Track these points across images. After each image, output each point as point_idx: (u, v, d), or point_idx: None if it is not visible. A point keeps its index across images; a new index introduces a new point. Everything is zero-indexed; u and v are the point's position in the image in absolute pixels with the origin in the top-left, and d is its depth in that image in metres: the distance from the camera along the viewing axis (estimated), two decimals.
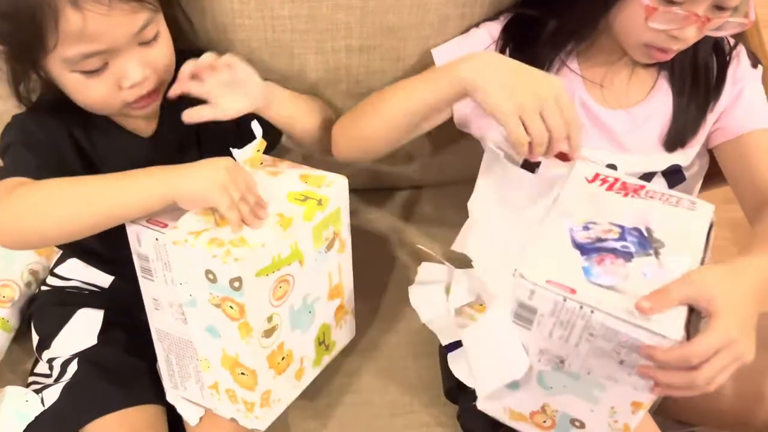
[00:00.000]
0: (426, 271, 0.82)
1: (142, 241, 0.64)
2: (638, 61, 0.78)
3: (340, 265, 0.74)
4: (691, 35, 0.69)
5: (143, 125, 0.75)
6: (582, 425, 0.65)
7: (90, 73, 0.64)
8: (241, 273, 0.60)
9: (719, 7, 0.68)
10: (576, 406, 0.64)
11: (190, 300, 0.65)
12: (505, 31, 0.80)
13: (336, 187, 0.69)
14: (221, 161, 0.63)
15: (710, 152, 0.83)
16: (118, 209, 0.62)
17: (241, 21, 0.80)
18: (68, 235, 0.63)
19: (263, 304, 0.65)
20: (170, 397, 0.76)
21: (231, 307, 0.62)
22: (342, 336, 0.81)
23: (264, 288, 0.64)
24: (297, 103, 0.80)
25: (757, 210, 0.73)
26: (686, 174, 0.82)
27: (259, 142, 0.69)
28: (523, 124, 0.63)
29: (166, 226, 0.63)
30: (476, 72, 0.65)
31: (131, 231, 0.64)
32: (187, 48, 0.74)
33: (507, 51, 0.79)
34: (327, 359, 0.80)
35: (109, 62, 0.64)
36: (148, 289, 0.68)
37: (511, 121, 0.63)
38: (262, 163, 0.72)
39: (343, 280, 0.76)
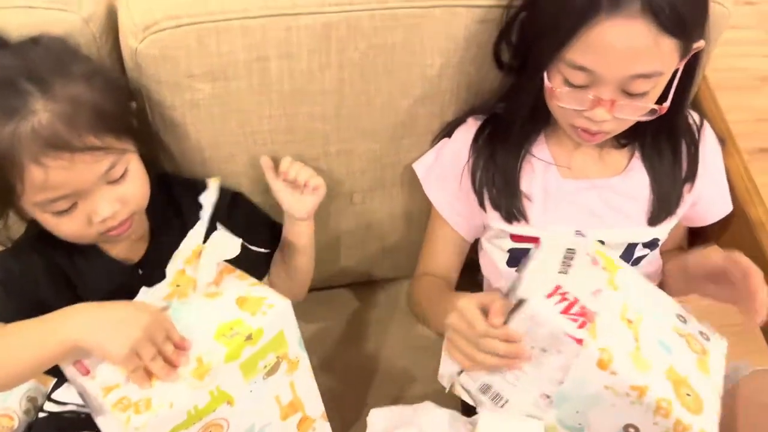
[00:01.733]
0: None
1: (72, 377, 0.65)
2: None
3: (293, 383, 0.72)
4: (602, 116, 0.71)
5: (129, 251, 0.77)
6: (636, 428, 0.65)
7: (60, 213, 0.66)
8: None
9: (627, 93, 0.71)
10: (608, 414, 0.65)
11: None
12: (476, 141, 0.85)
13: (275, 312, 0.66)
14: (141, 313, 0.62)
15: None
16: (29, 362, 0.62)
17: (223, 138, 0.84)
18: (23, 379, 0.65)
19: None
20: None
21: None
22: None
23: None
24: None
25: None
26: (661, 241, 0.86)
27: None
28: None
29: (87, 373, 0.62)
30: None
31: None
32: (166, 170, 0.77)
33: (481, 161, 0.84)
34: None
35: (78, 202, 0.66)
36: (91, 407, 0.68)
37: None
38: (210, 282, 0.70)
39: (299, 394, 0.73)
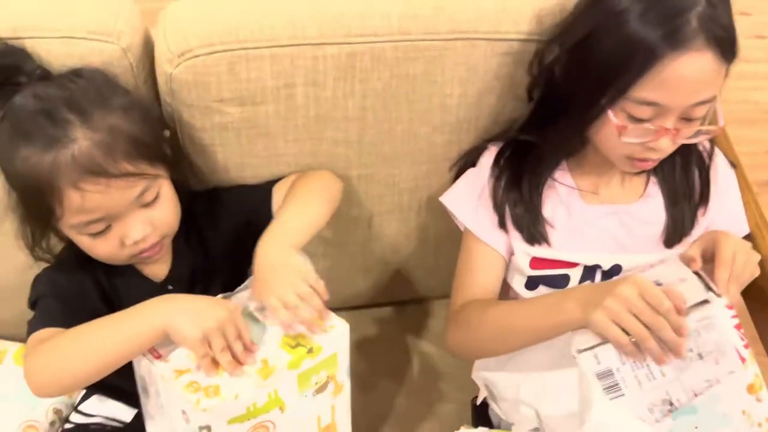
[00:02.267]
0: None
1: (140, 365, 0.69)
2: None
3: (334, 407, 0.74)
4: (665, 146, 0.75)
5: (157, 270, 0.81)
6: None
7: (95, 235, 0.70)
8: (210, 422, 0.63)
9: (687, 119, 0.74)
10: None
11: (173, 428, 0.68)
12: (497, 162, 0.87)
13: (335, 334, 0.70)
14: (218, 308, 0.66)
15: None
16: (122, 349, 0.67)
17: (249, 160, 0.88)
18: (83, 381, 0.69)
19: None
20: None
21: None
22: None
23: None
24: (312, 224, 0.79)
25: None
26: None
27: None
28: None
29: (159, 357, 0.66)
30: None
31: None
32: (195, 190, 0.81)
33: (502, 181, 0.85)
34: None
35: (112, 224, 0.70)
36: (146, 407, 0.72)
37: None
38: None
39: (336, 420, 0.75)
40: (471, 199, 0.88)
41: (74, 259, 0.77)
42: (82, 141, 0.65)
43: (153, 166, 0.71)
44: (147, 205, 0.71)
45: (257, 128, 0.85)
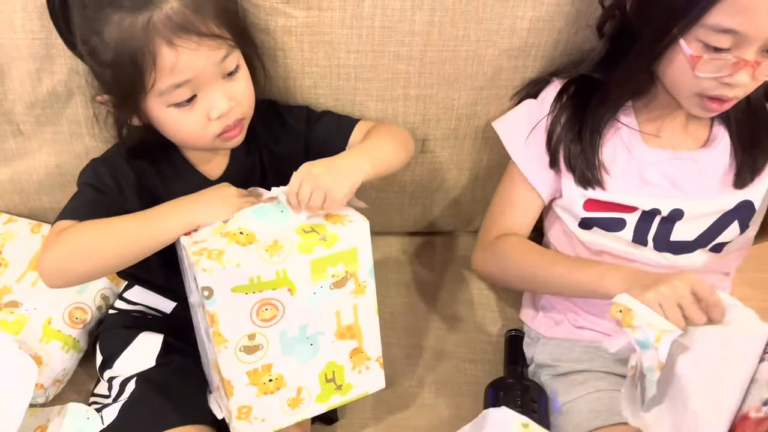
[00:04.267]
0: None
1: (179, 247, 0.72)
2: (696, 115, 0.80)
3: (356, 306, 0.74)
4: (743, 80, 0.70)
5: (214, 167, 0.82)
6: None
7: (182, 106, 0.71)
8: (210, 284, 0.65)
9: (766, 52, 0.69)
10: None
11: (197, 302, 0.71)
12: (560, 97, 0.84)
13: (352, 228, 0.70)
14: (229, 190, 0.74)
15: None
16: (150, 242, 0.71)
17: (309, 69, 0.87)
18: (106, 271, 0.74)
19: (241, 320, 0.68)
20: (210, 400, 0.80)
21: (208, 315, 0.67)
22: (363, 382, 0.79)
23: (242, 305, 0.67)
24: (388, 161, 0.80)
25: None
26: (756, 207, 0.83)
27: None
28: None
29: (189, 234, 0.70)
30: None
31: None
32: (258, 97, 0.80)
33: (563, 117, 0.83)
34: (338, 399, 0.78)
35: (198, 95, 0.72)
36: (190, 294, 0.75)
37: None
38: None
39: (360, 323, 0.75)
40: (525, 130, 0.86)
41: (123, 153, 0.79)
42: (173, 2, 0.68)
43: (233, 35, 0.73)
44: (229, 75, 0.73)
45: (321, 35, 0.83)
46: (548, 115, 0.84)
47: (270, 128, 0.84)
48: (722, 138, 0.82)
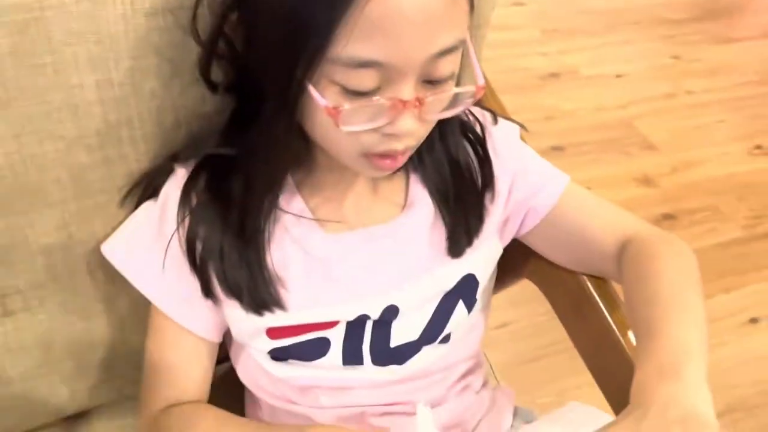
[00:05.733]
0: None
1: None
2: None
3: None
4: (409, 128, 0.47)
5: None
6: None
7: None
8: None
9: (429, 82, 0.47)
10: None
11: None
12: (187, 195, 0.55)
13: None
14: None
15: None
16: None
17: None
18: None
19: None
20: None
21: None
22: None
23: None
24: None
25: (617, 257, 0.60)
26: (480, 279, 0.62)
27: None
28: None
29: None
30: None
31: None
32: None
33: (201, 224, 0.54)
34: None
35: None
36: None
37: None
38: None
39: None
40: (152, 251, 0.55)
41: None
42: None
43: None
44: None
45: None
46: (179, 225, 0.54)
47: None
48: (422, 196, 0.59)
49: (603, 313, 0.62)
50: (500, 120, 0.64)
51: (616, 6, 2.50)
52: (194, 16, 0.51)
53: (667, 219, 1.62)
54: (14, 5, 0.47)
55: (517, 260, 0.69)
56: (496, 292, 0.70)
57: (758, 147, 1.90)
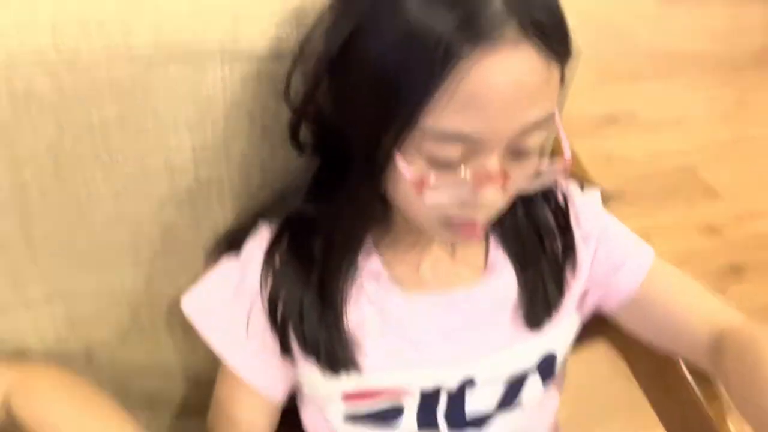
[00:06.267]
0: None
1: None
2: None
3: None
4: (493, 199, 0.46)
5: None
6: None
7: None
8: None
9: (517, 153, 0.47)
10: None
11: None
12: (271, 256, 0.55)
13: None
14: None
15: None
16: None
17: None
18: None
19: None
20: None
21: None
22: None
23: None
24: None
25: (712, 350, 0.56)
26: (559, 359, 0.60)
27: None
28: None
29: None
30: None
31: None
32: None
33: (284, 284, 0.54)
34: None
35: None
36: None
37: None
38: None
39: None
40: (230, 309, 0.56)
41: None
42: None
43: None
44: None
45: None
46: (263, 287, 0.55)
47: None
48: (502, 262, 0.58)
49: (692, 388, 0.60)
50: (583, 187, 0.63)
51: (674, 49, 2.46)
52: (288, 83, 0.52)
53: (734, 272, 1.56)
54: (119, 73, 0.49)
55: (591, 321, 0.67)
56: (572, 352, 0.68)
57: None
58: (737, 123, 2.11)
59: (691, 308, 0.59)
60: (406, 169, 0.45)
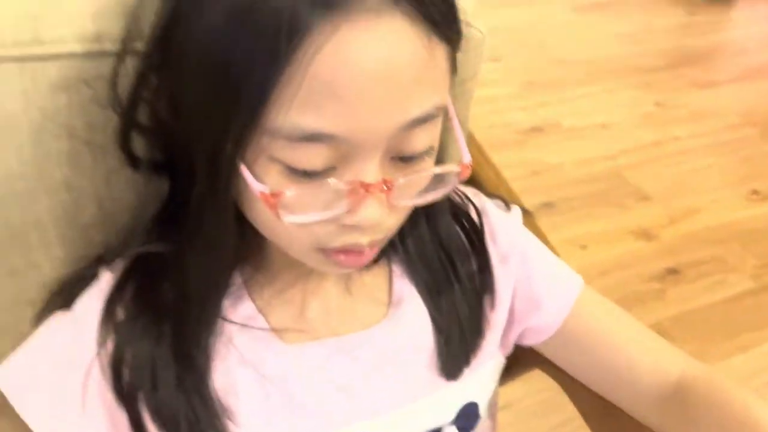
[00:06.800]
0: None
1: None
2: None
3: None
4: (374, 216, 0.37)
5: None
6: None
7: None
8: None
9: (400, 159, 0.37)
10: None
11: None
12: (110, 310, 0.43)
13: None
14: None
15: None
16: None
17: None
18: None
19: None
20: None
21: None
22: None
23: None
24: None
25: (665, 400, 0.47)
26: (482, 412, 0.49)
27: None
28: None
29: None
30: None
31: None
32: None
33: (128, 343, 0.42)
34: None
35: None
36: None
37: None
38: None
39: None
40: (59, 380, 0.43)
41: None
42: None
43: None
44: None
45: None
46: (100, 348, 0.42)
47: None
48: (410, 293, 0.48)
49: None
50: (499, 203, 0.53)
51: (592, 56, 2.47)
52: (114, 84, 0.41)
53: (671, 274, 1.52)
54: None
55: (526, 350, 0.58)
56: (502, 384, 0.58)
57: (755, 192, 1.82)
58: (659, 124, 2.11)
59: (630, 350, 0.50)
60: (254, 182, 0.35)
